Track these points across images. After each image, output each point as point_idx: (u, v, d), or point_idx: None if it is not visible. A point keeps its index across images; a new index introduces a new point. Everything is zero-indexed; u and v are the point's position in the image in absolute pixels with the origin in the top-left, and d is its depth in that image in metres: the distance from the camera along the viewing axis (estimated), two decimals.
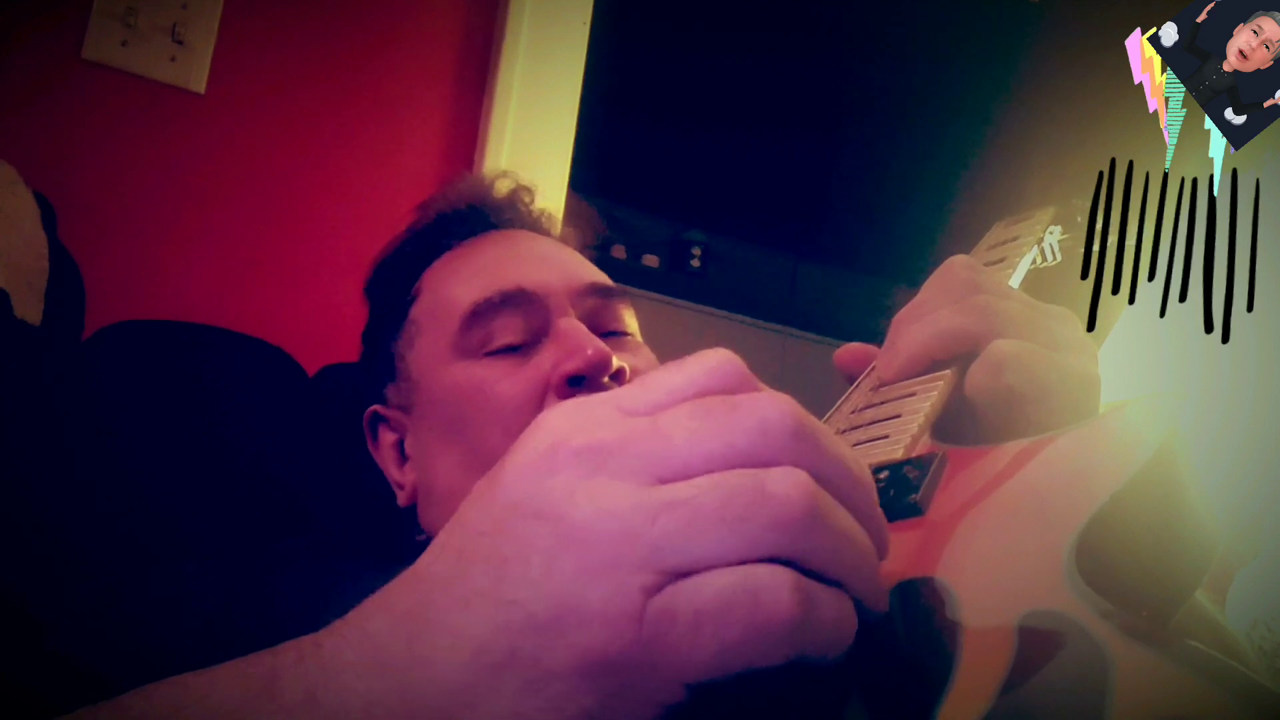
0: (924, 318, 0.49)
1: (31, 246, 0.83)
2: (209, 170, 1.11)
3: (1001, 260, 0.60)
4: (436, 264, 0.76)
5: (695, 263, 3.17)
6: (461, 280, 0.71)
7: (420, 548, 0.76)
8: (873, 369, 0.54)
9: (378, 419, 0.74)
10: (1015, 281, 0.57)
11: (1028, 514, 0.34)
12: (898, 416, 0.45)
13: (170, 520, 0.75)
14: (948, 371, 0.47)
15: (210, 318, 0.93)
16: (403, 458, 0.73)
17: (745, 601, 0.25)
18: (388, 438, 0.73)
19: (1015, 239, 0.62)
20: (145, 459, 0.77)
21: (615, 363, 0.64)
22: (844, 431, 0.48)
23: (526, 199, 0.81)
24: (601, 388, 0.64)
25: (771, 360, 3.04)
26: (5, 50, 1.03)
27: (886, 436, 0.44)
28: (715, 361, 0.30)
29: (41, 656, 0.49)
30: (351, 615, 0.30)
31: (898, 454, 0.42)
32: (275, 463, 0.81)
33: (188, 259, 1.09)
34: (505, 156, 1.20)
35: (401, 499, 0.71)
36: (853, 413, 0.49)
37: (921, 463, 0.40)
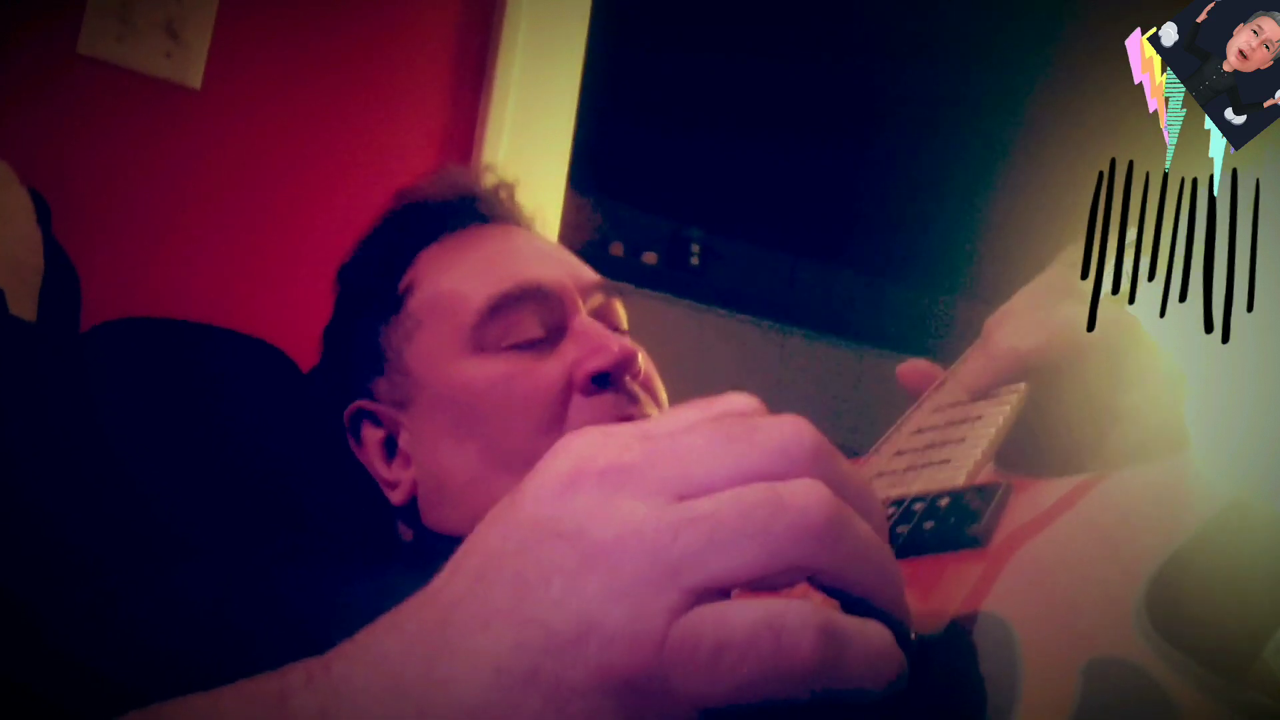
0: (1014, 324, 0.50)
1: (26, 243, 0.83)
2: (204, 166, 1.11)
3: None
4: (426, 255, 0.74)
5: (694, 260, 3.17)
6: (468, 273, 0.71)
7: (414, 548, 0.75)
8: (938, 386, 0.52)
9: (361, 415, 0.73)
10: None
11: (1092, 553, 0.33)
12: (962, 440, 0.44)
13: (167, 518, 0.75)
14: (1014, 396, 0.46)
15: (206, 314, 0.93)
16: (391, 455, 0.71)
17: (768, 641, 0.24)
18: (374, 435, 0.72)
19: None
20: (141, 457, 0.77)
21: (640, 361, 0.66)
22: (903, 453, 0.46)
23: (506, 194, 0.80)
24: (624, 386, 0.65)
25: (771, 358, 3.04)
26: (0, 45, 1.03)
27: (948, 461, 0.42)
28: (737, 398, 0.31)
29: (41, 657, 0.48)
30: (359, 637, 0.29)
31: (959, 480, 0.40)
32: (271, 461, 0.80)
33: (183, 256, 1.09)
34: (503, 153, 1.20)
35: (395, 497, 0.70)
36: (913, 433, 0.47)
37: (985, 492, 0.38)
